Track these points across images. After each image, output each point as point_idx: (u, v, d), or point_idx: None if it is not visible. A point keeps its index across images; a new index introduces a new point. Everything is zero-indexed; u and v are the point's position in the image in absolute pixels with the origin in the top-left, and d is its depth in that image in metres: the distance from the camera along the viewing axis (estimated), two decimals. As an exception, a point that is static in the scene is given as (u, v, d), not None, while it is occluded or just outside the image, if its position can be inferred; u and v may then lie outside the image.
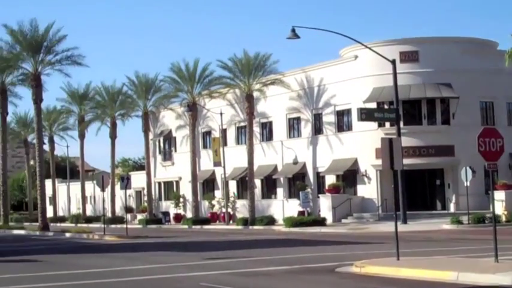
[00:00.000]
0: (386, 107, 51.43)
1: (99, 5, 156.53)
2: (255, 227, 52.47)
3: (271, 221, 53.50)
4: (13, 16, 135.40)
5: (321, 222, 48.76)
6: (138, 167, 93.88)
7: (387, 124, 50.28)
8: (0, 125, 65.18)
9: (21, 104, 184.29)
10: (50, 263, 25.52)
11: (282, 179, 59.99)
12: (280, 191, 60.33)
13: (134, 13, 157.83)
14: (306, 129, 58.58)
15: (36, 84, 57.24)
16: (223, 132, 64.35)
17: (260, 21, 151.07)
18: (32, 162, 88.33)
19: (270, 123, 61.79)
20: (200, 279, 18.56)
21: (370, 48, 47.61)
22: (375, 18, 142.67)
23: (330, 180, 55.23)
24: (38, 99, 57.28)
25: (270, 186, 61.77)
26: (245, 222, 54.75)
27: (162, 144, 75.45)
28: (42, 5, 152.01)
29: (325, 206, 53.00)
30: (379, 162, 52.21)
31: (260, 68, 58.52)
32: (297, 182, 58.23)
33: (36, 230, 55.76)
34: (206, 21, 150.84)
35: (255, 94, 59.08)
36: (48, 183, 73.54)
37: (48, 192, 75.15)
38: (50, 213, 75.78)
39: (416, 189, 51.78)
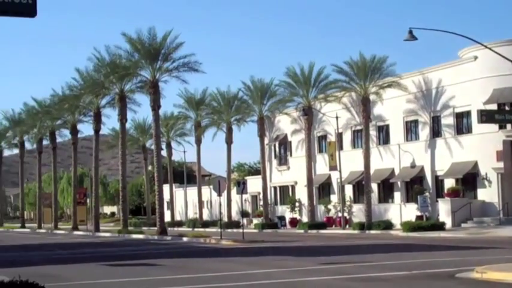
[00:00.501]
0: (507, 108, 49.68)
1: (214, 11, 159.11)
2: (372, 232, 51.76)
3: (388, 225, 52.64)
4: (132, 25, 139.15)
5: (440, 226, 47.64)
6: (254, 171, 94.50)
7: (508, 126, 48.65)
8: (119, 131, 67.06)
9: (140, 110, 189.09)
10: (169, 267, 25.81)
11: (399, 182, 58.93)
12: (397, 195, 59.30)
13: (248, 20, 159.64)
14: (424, 132, 57.34)
15: (154, 91, 58.45)
16: (339, 136, 63.79)
17: (376, 23, 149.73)
18: (150, 168, 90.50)
19: (387, 126, 60.84)
20: (316, 284, 18.31)
21: (490, 49, 45.96)
22: (495, 18, 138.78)
23: (449, 184, 53.86)
24: (155, 106, 58.47)
25: (387, 190, 60.83)
26: (361, 226, 54.11)
27: (277, 149, 75.58)
28: (159, 12, 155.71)
29: (444, 210, 51.77)
30: (501, 165, 51.68)
31: (376, 71, 57.76)
32: (414, 186, 57.05)
33: (154, 234, 56.83)
34: (320, 26, 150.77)
35: (371, 97, 58.30)
36: (165, 188, 75.06)
37: (166, 197, 76.69)
38: (167, 217, 77.28)
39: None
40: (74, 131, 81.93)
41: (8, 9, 11.81)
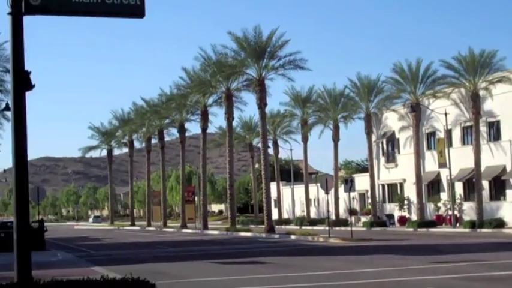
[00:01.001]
0: None
1: (319, 8, 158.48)
2: (483, 230, 50.38)
3: (500, 223, 51.19)
4: (237, 23, 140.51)
5: (557, 225, 45.91)
6: (361, 169, 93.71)
7: None
8: (226, 129, 67.71)
9: (246, 109, 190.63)
10: (277, 265, 25.78)
11: (511, 180, 57.11)
12: (510, 193, 57.43)
13: (353, 16, 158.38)
14: (538, 127, 55.37)
15: (260, 89, 58.72)
16: (448, 132, 62.33)
17: (484, 18, 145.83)
18: (256, 166, 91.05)
19: (498, 122, 59.01)
20: (427, 283, 17.88)
21: None
22: None
23: None
24: (262, 104, 58.71)
25: (498, 188, 59.02)
26: (472, 225, 52.75)
27: (385, 146, 74.59)
28: (264, 9, 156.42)
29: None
30: None
31: (486, 66, 56.17)
32: (528, 184, 55.18)
33: (262, 232, 57.05)
34: (426, 22, 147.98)
35: (481, 93, 56.70)
36: (273, 186, 75.31)
37: (273, 195, 76.94)
38: (275, 215, 77.50)
39: None
40: (182, 130, 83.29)
41: (117, 10, 11.98)
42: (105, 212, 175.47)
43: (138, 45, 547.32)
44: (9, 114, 54.66)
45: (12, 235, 15.21)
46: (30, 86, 14.41)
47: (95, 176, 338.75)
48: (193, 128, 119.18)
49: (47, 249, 39.47)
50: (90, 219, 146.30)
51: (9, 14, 12.59)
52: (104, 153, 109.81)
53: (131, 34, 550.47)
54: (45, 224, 46.24)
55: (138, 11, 12.05)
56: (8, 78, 52.62)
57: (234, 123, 74.87)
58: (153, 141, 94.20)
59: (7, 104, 46.10)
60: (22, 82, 14.28)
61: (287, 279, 20.03)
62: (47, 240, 43.79)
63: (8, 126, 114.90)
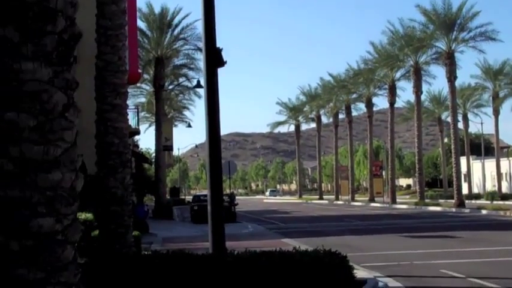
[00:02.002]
0: None
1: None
2: None
3: None
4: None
5: None
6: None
7: None
8: (414, 103, 66.62)
9: (435, 82, 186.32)
10: (467, 239, 25.21)
11: None
12: None
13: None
14: None
15: (449, 62, 57.26)
16: None
17: None
18: (446, 140, 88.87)
19: None
20: None
21: None
22: None
23: None
24: (451, 77, 57.23)
25: None
26: None
27: None
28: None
29: None
30: None
31: None
32: None
33: (451, 206, 55.82)
34: None
35: None
36: (462, 160, 73.31)
37: (463, 169, 74.89)
38: (464, 190, 75.49)
39: None
40: (369, 105, 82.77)
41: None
42: (293, 186, 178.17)
43: (324, 20, 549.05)
44: (200, 91, 56.76)
45: (204, 208, 15.91)
46: (222, 63, 14.90)
47: (283, 150, 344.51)
48: (380, 102, 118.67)
49: (238, 222, 40.76)
50: (267, 193, 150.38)
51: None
52: (292, 128, 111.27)
53: (317, 9, 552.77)
54: (236, 197, 47.78)
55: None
56: (199, 56, 54.62)
57: (422, 97, 73.36)
58: (340, 116, 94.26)
59: (198, 82, 47.87)
60: (214, 59, 14.79)
61: (475, 254, 19.57)
62: (237, 213, 45.26)
63: (199, 103, 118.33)
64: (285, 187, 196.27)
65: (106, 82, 12.22)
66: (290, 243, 22.00)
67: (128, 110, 13.19)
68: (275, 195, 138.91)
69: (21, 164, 4.15)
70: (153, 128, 60.79)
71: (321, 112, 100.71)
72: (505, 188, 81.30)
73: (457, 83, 71.29)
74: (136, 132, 39.67)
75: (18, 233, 4.11)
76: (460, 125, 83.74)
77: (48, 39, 4.24)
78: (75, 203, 4.36)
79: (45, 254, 4.16)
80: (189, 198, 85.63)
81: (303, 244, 17.53)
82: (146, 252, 14.11)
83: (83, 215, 15.25)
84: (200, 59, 54.09)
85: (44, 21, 4.23)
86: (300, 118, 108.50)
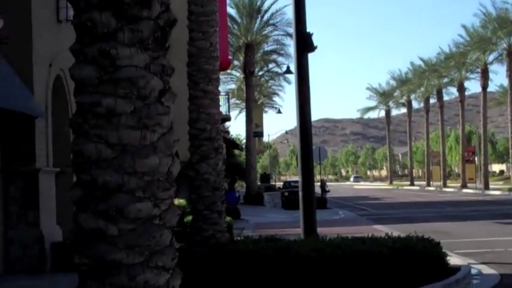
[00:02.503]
0: None
1: None
2: None
3: None
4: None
5: None
6: None
7: None
8: (508, 87, 64.95)
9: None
10: None
11: None
12: None
13: None
14: None
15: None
16: None
17: None
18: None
19: None
20: None
21: None
22: None
23: None
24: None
25: None
26: None
27: None
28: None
29: None
30: None
31: None
32: None
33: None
34: None
35: None
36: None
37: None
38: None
39: None
40: (461, 89, 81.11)
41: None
42: (384, 173, 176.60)
43: (416, 3, 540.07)
44: (290, 76, 56.73)
45: (296, 194, 15.92)
46: (312, 48, 14.81)
47: (373, 136, 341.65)
48: (472, 86, 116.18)
49: (329, 208, 40.65)
50: (351, 179, 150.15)
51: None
52: (382, 113, 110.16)
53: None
54: (326, 184, 47.64)
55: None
56: (289, 41, 54.55)
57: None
58: (431, 100, 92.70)
59: (288, 67, 47.84)
60: (304, 44, 14.72)
61: None
62: (328, 199, 45.13)
63: (289, 89, 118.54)
64: (375, 173, 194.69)
65: (198, 68, 12.30)
66: (382, 230, 21.79)
67: (218, 97, 13.26)
68: (358, 181, 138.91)
69: (119, 150, 4.21)
70: (243, 114, 61.22)
71: (412, 97, 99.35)
72: None
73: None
74: (227, 118, 39.99)
75: (116, 218, 4.18)
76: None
77: (144, 25, 4.27)
78: (172, 187, 4.39)
79: (143, 239, 4.21)
80: (279, 184, 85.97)
81: (395, 230, 17.31)
82: (238, 238, 14.21)
83: (176, 201, 15.46)
84: (289, 45, 54.14)
85: (140, 7, 4.26)
86: (390, 103, 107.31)
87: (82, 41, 4.30)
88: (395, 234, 13.27)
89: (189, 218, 14.65)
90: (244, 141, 59.93)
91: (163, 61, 4.36)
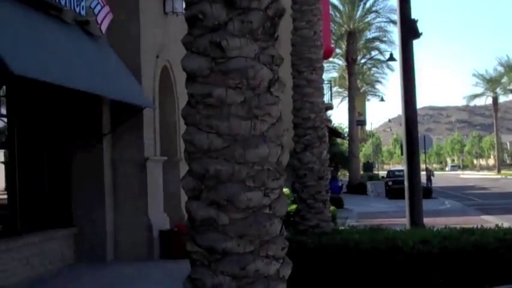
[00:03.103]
0: None
1: None
2: None
3: None
4: None
5: None
6: None
7: None
8: None
9: None
10: None
11: None
12: None
13: None
14: None
15: None
16: None
17: None
18: None
19: None
20: None
21: None
22: None
23: None
24: None
25: None
26: None
27: None
28: None
29: None
30: None
31: None
32: None
33: None
34: None
35: None
36: None
37: None
38: None
39: None
40: None
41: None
42: (491, 161, 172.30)
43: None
44: (393, 64, 55.97)
45: (400, 183, 15.71)
46: (417, 35, 14.57)
47: (479, 124, 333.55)
48: None
49: (434, 198, 39.98)
50: (447, 168, 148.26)
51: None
52: (489, 100, 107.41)
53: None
54: (433, 172, 46.90)
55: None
56: (392, 28, 53.83)
57: None
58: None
59: (391, 55, 47.28)
60: (409, 31, 14.50)
61: None
62: (433, 188, 44.41)
63: (392, 76, 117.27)
64: (482, 162, 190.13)
65: (302, 57, 12.28)
66: (491, 220, 21.26)
67: (322, 85, 13.20)
68: (456, 171, 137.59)
69: (229, 140, 4.26)
70: (344, 102, 60.89)
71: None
72: None
73: None
74: (330, 107, 39.85)
75: (227, 207, 4.23)
76: None
77: (254, 16, 4.30)
78: (281, 177, 4.41)
79: (254, 228, 4.24)
80: (382, 173, 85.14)
81: (505, 221, 16.85)
82: (342, 228, 14.15)
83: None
84: (393, 32, 53.46)
85: (250, -2, 4.30)
86: (498, 90, 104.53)
87: (193, 32, 4.37)
88: (505, 225, 12.92)
89: (293, 207, 14.69)
90: (347, 129, 59.63)
91: (272, 51, 4.38)
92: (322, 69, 12.72)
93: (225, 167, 4.23)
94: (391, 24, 52.30)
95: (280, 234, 4.41)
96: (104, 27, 14.62)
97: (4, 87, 12.97)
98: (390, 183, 43.07)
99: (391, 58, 46.56)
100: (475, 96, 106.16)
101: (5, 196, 13.12)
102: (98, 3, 14.25)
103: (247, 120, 4.25)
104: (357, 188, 49.59)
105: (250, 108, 4.26)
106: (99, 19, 14.37)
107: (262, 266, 4.27)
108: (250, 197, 4.22)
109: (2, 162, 13.31)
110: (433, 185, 44.52)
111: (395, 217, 23.26)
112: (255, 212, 4.26)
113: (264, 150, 4.28)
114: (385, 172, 62.06)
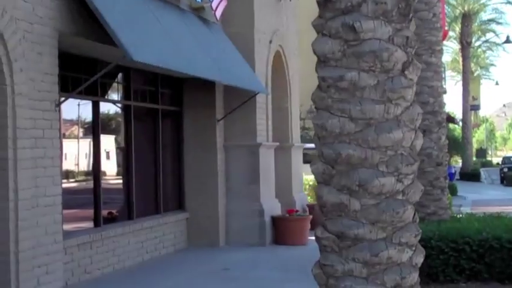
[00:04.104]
0: None
1: None
2: None
3: None
4: None
5: None
6: None
7: None
8: None
9: None
10: None
11: None
12: None
13: None
14: None
15: None
16: None
17: None
18: None
19: None
20: None
21: None
22: None
23: None
24: None
25: None
26: None
27: None
28: None
29: None
30: None
31: None
32: None
33: None
34: None
35: None
36: None
37: None
38: None
39: None
40: None
41: None
42: None
43: None
44: (508, 46, 54.24)
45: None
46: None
47: None
48: None
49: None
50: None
51: None
52: None
53: None
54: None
55: None
56: (508, 9, 52.17)
57: None
58: None
59: (508, 37, 45.90)
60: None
61: None
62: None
63: (507, 59, 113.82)
64: None
65: (421, 40, 12.00)
66: None
67: (441, 69, 12.90)
68: None
69: (362, 124, 4.17)
70: (456, 87, 59.54)
71: None
72: None
73: None
74: (444, 91, 39.01)
75: (359, 192, 4.14)
76: None
77: (388, -3, 4.19)
78: (415, 162, 4.29)
79: (387, 214, 4.15)
80: (496, 160, 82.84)
81: None
82: (460, 215, 13.80)
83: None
84: (508, 13, 51.81)
85: (384, -22, 4.19)
86: None
87: (324, 15, 4.29)
88: None
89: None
90: (460, 114, 58.24)
91: (407, 33, 4.25)
92: (442, 52, 12.45)
93: (357, 151, 4.14)
94: (508, 5, 50.77)
95: (413, 221, 4.29)
96: (218, 14, 14.70)
97: (120, 74, 13.22)
98: (506, 169, 41.90)
99: (508, 40, 45.17)
100: None
101: (121, 181, 13.39)
102: (213, -11, 14.34)
103: (380, 104, 4.15)
104: (470, 175, 48.43)
105: (383, 92, 4.15)
106: (213, 5, 14.46)
107: (395, 253, 4.17)
108: (383, 183, 4.12)
109: (119, 148, 13.58)
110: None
111: (511, 205, 22.57)
112: (388, 198, 4.16)
113: (397, 135, 4.16)
114: (499, 159, 60.40)
